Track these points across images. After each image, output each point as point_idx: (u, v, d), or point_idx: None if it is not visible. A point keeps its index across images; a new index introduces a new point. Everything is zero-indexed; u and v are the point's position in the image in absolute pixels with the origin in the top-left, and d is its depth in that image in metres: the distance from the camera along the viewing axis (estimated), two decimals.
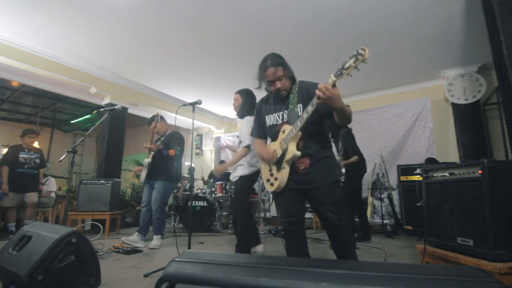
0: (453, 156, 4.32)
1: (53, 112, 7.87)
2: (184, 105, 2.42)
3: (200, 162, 7.34)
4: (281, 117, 1.70)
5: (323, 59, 3.95)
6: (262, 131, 1.83)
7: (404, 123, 4.67)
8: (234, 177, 2.57)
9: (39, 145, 5.58)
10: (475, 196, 1.64)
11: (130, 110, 5.30)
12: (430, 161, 3.99)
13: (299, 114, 1.57)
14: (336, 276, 0.55)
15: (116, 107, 2.86)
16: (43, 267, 1.43)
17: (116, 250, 2.94)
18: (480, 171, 1.61)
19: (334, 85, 1.34)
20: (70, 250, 1.55)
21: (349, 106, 1.57)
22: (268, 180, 1.74)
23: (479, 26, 3.00)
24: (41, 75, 4.17)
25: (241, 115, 2.65)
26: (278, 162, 1.65)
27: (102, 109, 3.55)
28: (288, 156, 1.58)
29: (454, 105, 4.38)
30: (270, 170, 1.71)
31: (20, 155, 3.98)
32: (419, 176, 3.68)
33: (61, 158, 2.49)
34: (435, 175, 2.00)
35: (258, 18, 3.18)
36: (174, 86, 5.25)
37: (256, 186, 6.54)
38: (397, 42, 3.64)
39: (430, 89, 4.74)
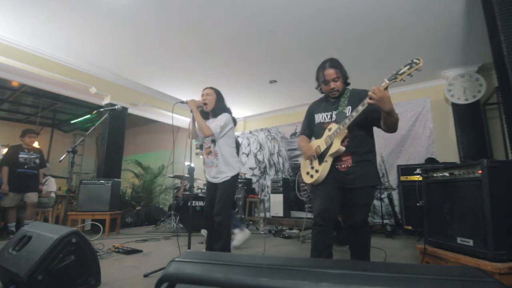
0: (453, 156, 4.32)
1: (53, 112, 7.87)
2: (181, 102, 2.43)
3: (200, 162, 7.35)
4: (329, 117, 1.81)
5: (323, 59, 3.94)
6: (309, 129, 1.96)
7: (404, 123, 4.67)
8: (223, 177, 2.34)
9: (39, 145, 5.58)
10: (475, 196, 1.64)
11: (130, 110, 5.30)
12: (430, 161, 3.99)
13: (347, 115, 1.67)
14: (336, 276, 0.55)
15: (116, 107, 2.85)
16: (43, 267, 1.43)
17: (116, 250, 2.94)
18: (480, 171, 1.61)
19: (386, 89, 1.50)
20: (70, 250, 1.55)
21: (397, 114, 1.64)
22: (308, 173, 1.82)
23: (479, 26, 3.00)
24: (41, 75, 4.17)
25: (219, 112, 2.44)
26: (321, 156, 1.74)
27: (102, 109, 3.55)
28: (333, 149, 1.67)
29: (454, 105, 4.38)
30: (311, 163, 1.81)
31: (20, 155, 3.98)
32: (419, 176, 3.69)
33: (61, 158, 2.49)
34: (435, 175, 2.00)
35: (258, 18, 3.18)
36: (174, 86, 5.25)
37: (256, 186, 6.56)
38: (397, 42, 3.64)
39: (430, 89, 4.75)
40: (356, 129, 1.70)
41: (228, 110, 2.49)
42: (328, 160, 1.70)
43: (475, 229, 1.63)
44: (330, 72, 1.77)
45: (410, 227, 3.82)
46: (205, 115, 2.49)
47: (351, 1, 2.90)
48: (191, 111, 2.33)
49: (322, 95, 1.95)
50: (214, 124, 2.35)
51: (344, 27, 3.33)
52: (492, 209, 1.53)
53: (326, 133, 1.74)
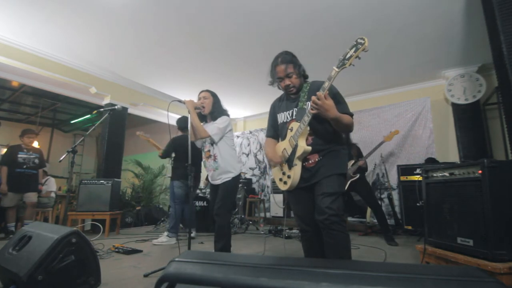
0: (453, 156, 4.32)
1: (53, 112, 7.87)
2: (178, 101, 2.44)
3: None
4: (290, 115, 1.72)
5: (323, 59, 3.94)
6: (274, 130, 1.87)
7: (404, 123, 4.67)
8: (224, 178, 2.35)
9: (39, 145, 5.58)
10: (475, 196, 1.64)
11: (130, 110, 5.30)
12: (430, 161, 3.99)
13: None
14: (336, 276, 0.55)
15: (116, 107, 2.85)
16: (43, 267, 1.43)
17: (116, 250, 2.94)
18: (480, 171, 1.61)
19: (337, 90, 1.44)
20: (70, 250, 1.55)
21: (352, 115, 1.56)
22: (280, 179, 1.72)
23: (479, 26, 3.00)
24: (41, 75, 4.17)
25: (217, 115, 2.45)
26: (289, 160, 1.64)
27: (102, 109, 3.55)
28: (299, 152, 1.58)
29: (454, 105, 4.38)
30: (282, 169, 1.71)
31: (19, 155, 3.98)
32: (419, 176, 3.68)
33: (61, 158, 2.49)
34: (435, 175, 2.00)
35: (258, 18, 3.18)
36: (174, 86, 5.25)
37: (256, 186, 6.56)
38: (397, 42, 3.64)
39: (430, 89, 4.74)
40: (318, 124, 1.59)
41: (225, 112, 2.50)
42: (298, 163, 1.61)
43: (475, 229, 1.62)
44: (282, 68, 1.67)
45: (410, 227, 3.82)
46: (203, 118, 2.50)
47: (351, 1, 2.90)
48: (189, 112, 2.34)
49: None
50: (213, 126, 2.35)
51: (344, 27, 3.33)
52: (492, 209, 1.53)
53: (289, 133, 1.67)
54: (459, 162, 3.53)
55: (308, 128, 1.57)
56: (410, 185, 3.90)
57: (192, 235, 3.81)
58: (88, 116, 7.81)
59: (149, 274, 2.07)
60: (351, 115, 1.56)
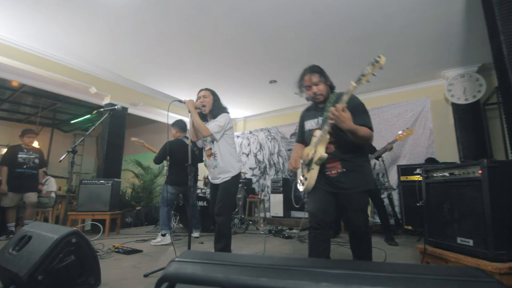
0: (453, 156, 4.32)
1: (53, 112, 7.87)
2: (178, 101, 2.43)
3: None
4: (316, 123, 1.81)
5: (323, 59, 3.94)
6: (302, 137, 1.97)
7: (404, 123, 4.67)
8: (224, 177, 2.34)
9: (39, 145, 5.58)
10: (475, 196, 1.64)
11: (130, 110, 5.30)
12: (430, 161, 3.99)
13: None
14: (336, 276, 0.55)
15: (116, 107, 2.85)
16: (43, 267, 1.43)
17: (116, 250, 2.94)
18: (480, 171, 1.61)
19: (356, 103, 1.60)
20: (70, 250, 1.55)
21: (371, 128, 1.63)
22: (300, 181, 1.84)
23: (479, 26, 3.00)
24: (41, 75, 4.17)
25: (217, 112, 2.45)
26: (308, 164, 1.75)
27: (102, 109, 3.55)
28: (316, 157, 1.68)
29: (454, 105, 4.38)
30: (302, 171, 1.83)
31: (19, 155, 3.98)
32: (419, 176, 3.67)
33: (61, 158, 2.48)
34: (435, 175, 2.00)
35: (258, 18, 3.18)
36: (174, 86, 5.25)
37: (256, 186, 6.56)
38: (397, 42, 3.64)
39: (430, 89, 4.74)
40: (343, 134, 1.65)
41: (225, 110, 2.50)
42: (315, 168, 1.70)
43: (475, 229, 1.63)
44: (311, 77, 1.78)
45: (410, 227, 3.82)
46: (203, 117, 2.49)
47: (351, 1, 2.90)
48: (189, 111, 2.33)
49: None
50: (213, 124, 2.35)
51: (344, 27, 3.33)
52: (492, 209, 1.53)
53: (313, 140, 1.76)
54: (459, 162, 3.53)
55: (328, 136, 1.67)
56: (410, 185, 3.90)
57: (196, 235, 3.83)
58: (88, 116, 7.81)
59: (149, 274, 2.07)
60: (370, 127, 1.62)
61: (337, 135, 1.67)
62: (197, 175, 4.09)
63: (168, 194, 3.56)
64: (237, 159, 2.44)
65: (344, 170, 1.68)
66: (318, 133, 1.72)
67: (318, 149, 1.68)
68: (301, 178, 1.83)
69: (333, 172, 1.70)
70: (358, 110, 1.66)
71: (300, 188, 1.83)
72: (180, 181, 3.58)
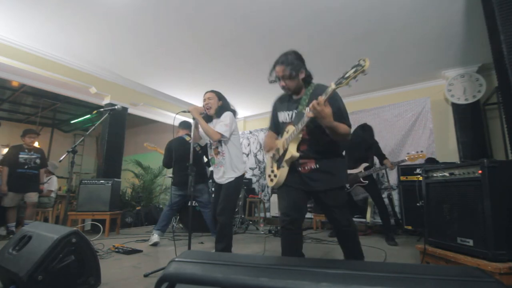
0: (453, 156, 4.32)
1: (53, 112, 7.88)
2: (184, 111, 2.42)
3: None
4: (289, 116, 1.72)
5: (323, 59, 3.94)
6: (275, 127, 1.90)
7: (404, 123, 4.67)
8: (227, 178, 2.37)
9: (39, 145, 5.57)
10: (475, 196, 1.64)
11: (130, 110, 5.30)
12: (430, 161, 3.99)
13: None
14: (336, 276, 0.55)
15: (116, 107, 2.85)
16: (43, 267, 1.43)
17: (116, 250, 2.94)
18: (480, 171, 1.61)
19: (334, 98, 1.46)
20: (70, 250, 1.55)
21: (349, 126, 1.55)
22: (269, 176, 1.80)
23: (479, 26, 3.00)
24: (41, 75, 4.17)
25: (220, 112, 2.47)
26: (279, 161, 1.69)
27: (102, 109, 3.56)
28: (287, 156, 1.61)
29: (454, 105, 4.38)
30: (272, 166, 1.77)
31: (20, 155, 3.98)
32: (419, 176, 3.67)
33: (61, 158, 2.49)
34: (435, 175, 2.00)
35: (257, 18, 3.18)
36: (174, 86, 5.25)
37: (256, 186, 6.56)
38: (397, 42, 3.64)
39: (430, 89, 4.74)
40: (317, 132, 1.57)
41: (229, 108, 2.50)
42: (285, 166, 1.64)
43: (475, 229, 1.63)
44: (278, 69, 1.65)
45: (410, 227, 3.82)
46: (209, 118, 2.50)
47: (351, 1, 2.90)
48: (193, 119, 2.34)
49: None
50: (219, 125, 2.37)
51: (344, 27, 3.33)
52: (492, 209, 1.53)
53: (284, 135, 1.67)
54: (459, 162, 3.53)
55: (300, 136, 1.59)
56: (410, 185, 3.90)
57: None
58: (88, 116, 7.81)
59: (149, 274, 2.07)
60: (349, 125, 1.55)
61: (312, 133, 1.59)
62: (205, 174, 3.90)
63: (172, 195, 3.54)
64: (241, 160, 2.47)
65: (317, 166, 1.61)
66: (291, 129, 1.62)
67: (290, 148, 1.60)
68: (270, 173, 1.76)
69: (306, 168, 1.63)
70: (339, 107, 1.56)
71: (270, 184, 1.76)
72: (178, 182, 3.49)
